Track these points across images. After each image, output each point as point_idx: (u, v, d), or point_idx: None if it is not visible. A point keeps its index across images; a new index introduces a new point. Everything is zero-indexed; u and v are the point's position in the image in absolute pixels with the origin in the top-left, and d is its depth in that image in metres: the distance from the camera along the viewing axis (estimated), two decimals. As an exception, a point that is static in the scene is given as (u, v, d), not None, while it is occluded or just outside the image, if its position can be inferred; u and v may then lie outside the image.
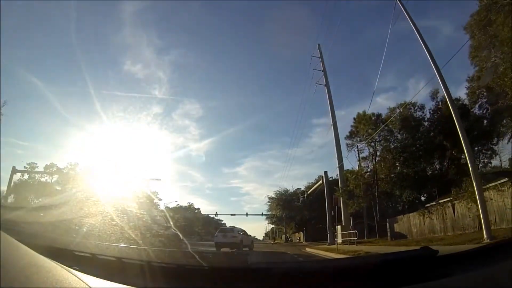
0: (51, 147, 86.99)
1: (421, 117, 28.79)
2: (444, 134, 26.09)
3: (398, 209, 35.57)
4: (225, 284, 1.27)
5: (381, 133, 28.06)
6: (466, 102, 26.42)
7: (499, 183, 14.18)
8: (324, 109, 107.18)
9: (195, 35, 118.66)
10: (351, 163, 31.30)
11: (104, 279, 1.29)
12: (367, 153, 31.53)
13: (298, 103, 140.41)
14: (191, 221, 69.75)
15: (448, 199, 19.03)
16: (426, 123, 28.99)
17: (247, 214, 69.57)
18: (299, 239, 57.01)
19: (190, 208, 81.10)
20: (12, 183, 48.12)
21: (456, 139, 24.59)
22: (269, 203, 56.41)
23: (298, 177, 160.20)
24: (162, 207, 52.82)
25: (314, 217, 48.97)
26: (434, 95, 27.96)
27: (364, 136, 29.52)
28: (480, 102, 24.65)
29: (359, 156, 31.85)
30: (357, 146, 31.65)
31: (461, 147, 25.42)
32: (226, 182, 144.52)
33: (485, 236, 9.62)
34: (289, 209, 51.69)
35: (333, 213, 25.89)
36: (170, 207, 61.69)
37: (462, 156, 27.64)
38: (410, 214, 21.33)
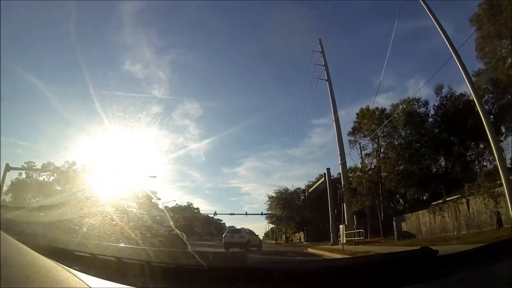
0: (51, 147, 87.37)
1: (425, 113, 28.13)
2: (450, 130, 25.57)
3: (398, 208, 35.23)
4: (225, 284, 1.28)
5: (385, 129, 27.39)
6: (472, 97, 26.22)
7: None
8: (323, 109, 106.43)
9: (195, 35, 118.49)
10: (353, 160, 30.53)
11: (104, 279, 1.31)
12: (370, 150, 30.88)
13: (298, 103, 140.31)
14: (190, 221, 69.81)
15: (457, 196, 18.25)
16: (431, 119, 28.28)
17: (246, 214, 69.73)
18: (300, 239, 56.90)
19: (189, 208, 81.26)
20: (10, 183, 48.43)
21: (462, 134, 24.29)
22: (269, 202, 55.94)
23: (298, 177, 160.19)
24: (160, 207, 52.92)
25: (315, 217, 48.83)
26: (438, 90, 27.31)
27: (368, 132, 28.90)
28: (486, 97, 23.97)
29: (361, 154, 31.32)
30: (360, 144, 31.06)
31: (467, 143, 25.23)
32: (226, 182, 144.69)
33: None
34: (290, 208, 51.40)
35: (336, 212, 25.30)
36: (169, 207, 61.88)
37: (468, 154, 27.34)
38: (419, 212, 20.43)
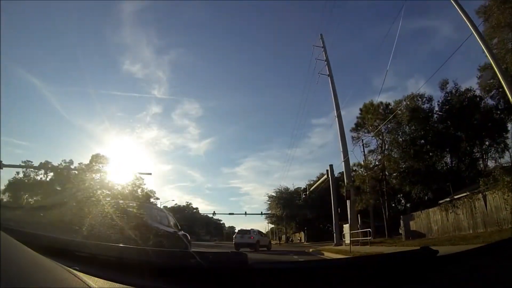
0: (50, 146, 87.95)
1: (429, 109, 27.82)
2: (457, 125, 25.13)
3: (399, 208, 34.91)
4: (225, 284, 1.29)
5: (389, 125, 27.01)
6: (478, 92, 25.43)
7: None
8: (323, 109, 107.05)
9: (195, 34, 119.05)
10: (356, 157, 29.92)
11: (104, 279, 1.32)
12: (374, 147, 30.46)
13: (298, 103, 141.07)
14: (189, 221, 70.03)
15: (466, 193, 17.60)
16: (435, 116, 27.94)
17: (245, 213, 69.85)
18: (300, 239, 56.89)
19: (188, 208, 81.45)
20: (8, 182, 48.67)
21: (468, 131, 23.78)
22: (268, 202, 55.84)
23: (298, 177, 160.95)
24: (159, 206, 53.06)
25: (316, 217, 48.73)
26: (443, 86, 26.99)
27: (372, 128, 28.41)
28: (493, 92, 23.70)
29: (364, 151, 30.93)
30: (362, 140, 30.64)
31: (475, 139, 24.74)
32: (226, 182, 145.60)
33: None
34: (290, 208, 51.24)
35: (339, 211, 24.88)
36: (168, 206, 62.09)
37: (474, 150, 26.99)
38: (430, 209, 19.60)
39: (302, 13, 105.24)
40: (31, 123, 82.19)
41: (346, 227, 22.60)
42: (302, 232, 55.73)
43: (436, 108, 27.92)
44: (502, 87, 22.57)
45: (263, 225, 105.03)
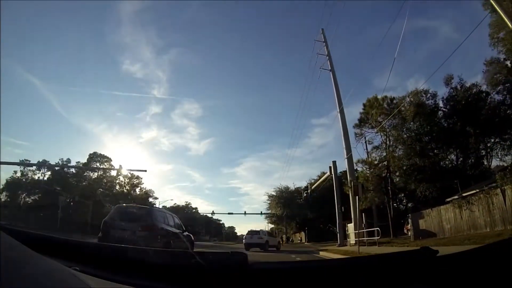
0: (49, 146, 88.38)
1: (434, 105, 27.46)
2: (464, 120, 24.59)
3: (400, 208, 34.60)
4: (225, 284, 1.30)
5: (394, 120, 26.59)
6: (484, 88, 25.18)
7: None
8: (323, 109, 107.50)
9: (195, 34, 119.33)
10: (360, 154, 29.44)
11: (104, 279, 1.35)
12: (378, 143, 30.06)
13: (298, 103, 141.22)
14: (189, 220, 70.18)
15: (474, 191, 17.03)
16: (440, 112, 27.61)
17: (245, 213, 69.78)
18: (301, 240, 56.80)
19: (187, 208, 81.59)
20: (5, 181, 48.91)
21: (477, 126, 23.22)
22: (268, 201, 55.61)
23: (297, 178, 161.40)
24: (157, 206, 53.28)
25: (317, 217, 48.56)
26: (448, 81, 26.61)
27: (376, 123, 27.88)
28: (500, 87, 23.44)
29: (367, 148, 30.53)
30: (365, 138, 30.25)
31: (483, 136, 24.30)
32: (225, 182, 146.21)
33: None
34: (290, 207, 51.11)
35: (343, 210, 24.52)
36: (167, 206, 62.25)
37: (480, 146, 26.60)
38: (441, 206, 18.75)
39: (302, 12, 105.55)
40: (30, 122, 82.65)
41: (350, 226, 22.10)
42: (302, 232, 55.54)
43: (441, 105, 27.66)
44: (510, 81, 22.34)
45: (262, 225, 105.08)
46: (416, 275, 1.28)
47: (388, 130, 28.22)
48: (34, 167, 50.08)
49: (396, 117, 25.78)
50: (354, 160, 26.43)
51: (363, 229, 18.27)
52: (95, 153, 53.25)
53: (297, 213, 51.52)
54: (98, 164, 51.67)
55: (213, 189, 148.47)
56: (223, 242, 69.14)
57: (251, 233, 25.56)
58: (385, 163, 27.95)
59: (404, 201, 37.05)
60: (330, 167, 27.84)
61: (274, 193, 53.87)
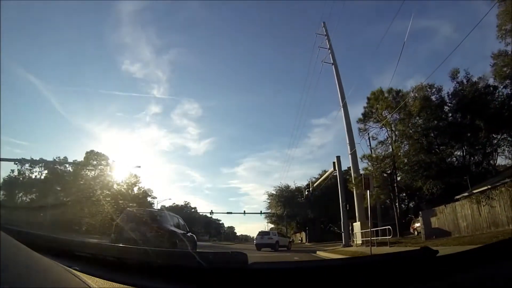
0: (49, 146, 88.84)
1: (440, 100, 26.75)
2: (474, 114, 23.71)
3: (401, 208, 34.12)
4: (225, 284, 1.33)
5: (400, 114, 25.94)
6: (491, 81, 24.42)
7: None
8: (323, 109, 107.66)
9: (194, 34, 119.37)
10: (363, 150, 28.74)
11: (104, 279, 1.37)
12: (383, 137, 29.27)
13: (298, 103, 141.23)
14: (188, 220, 70.18)
15: (484, 188, 16.37)
16: (447, 106, 26.80)
17: (244, 213, 68.96)
18: (301, 240, 56.58)
19: (186, 207, 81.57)
20: (2, 180, 49.11)
21: (487, 120, 22.57)
22: (268, 201, 55.10)
23: (297, 178, 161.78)
24: (155, 205, 53.25)
25: (318, 216, 48.30)
26: (454, 75, 25.97)
27: (382, 116, 27.01)
28: (506, 82, 22.87)
29: (370, 144, 30.01)
30: (368, 134, 29.39)
31: (491, 132, 23.71)
32: (225, 182, 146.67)
33: None
34: (291, 206, 50.68)
35: (347, 207, 24.03)
36: (166, 206, 62.27)
37: (487, 143, 25.86)
38: (457, 202, 17.68)
39: (302, 12, 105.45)
40: (29, 122, 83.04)
41: (356, 225, 21.42)
42: (303, 232, 55.21)
43: (447, 99, 26.94)
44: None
45: (262, 225, 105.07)
46: (416, 275, 1.29)
47: (394, 124, 27.42)
48: (28, 165, 50.19)
49: (401, 111, 25.17)
50: (358, 156, 25.98)
51: (370, 228, 17.21)
52: (92, 151, 53.31)
53: (298, 213, 51.04)
54: (95, 163, 51.69)
55: (213, 189, 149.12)
56: (222, 242, 69.09)
57: (262, 233, 26.52)
58: (391, 158, 27.04)
59: (406, 200, 36.72)
60: (333, 163, 27.32)
61: (274, 192, 53.53)
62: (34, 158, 49.33)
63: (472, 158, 26.63)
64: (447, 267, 1.29)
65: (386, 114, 26.22)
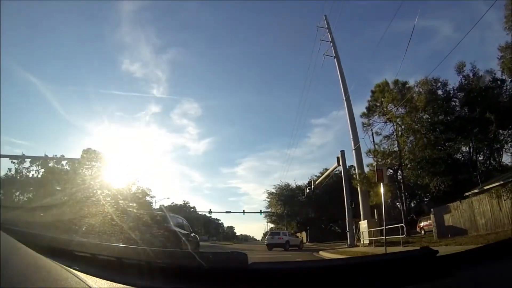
0: (48, 146, 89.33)
1: (446, 94, 26.03)
2: (484, 107, 22.78)
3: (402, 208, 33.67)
4: (225, 284, 1.34)
5: (406, 107, 25.01)
6: (498, 75, 23.78)
7: None
8: (323, 109, 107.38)
9: (194, 33, 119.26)
10: (367, 145, 27.84)
11: (104, 279, 1.39)
12: (388, 132, 27.46)
13: (297, 103, 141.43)
14: (187, 220, 70.03)
15: (497, 184, 15.55)
16: (453, 101, 25.98)
17: (244, 212, 68.49)
18: (302, 240, 55.95)
19: (185, 207, 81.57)
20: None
21: (497, 114, 22.07)
22: (268, 199, 54.46)
23: (297, 178, 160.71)
24: (154, 204, 53.17)
25: (319, 216, 47.89)
26: (460, 68, 25.30)
27: (387, 110, 25.98)
28: None
29: (373, 139, 29.22)
30: (372, 130, 28.80)
31: (500, 127, 23.13)
32: (225, 182, 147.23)
33: None
34: (291, 205, 50.09)
35: (353, 205, 23.49)
36: (165, 205, 62.23)
37: (495, 139, 25.56)
38: (474, 197, 16.64)
39: (302, 12, 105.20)
40: (29, 122, 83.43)
41: (362, 224, 20.65)
42: (304, 232, 54.74)
43: (452, 93, 26.12)
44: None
45: (262, 225, 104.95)
46: (416, 275, 1.31)
47: (400, 117, 25.99)
48: (27, 164, 50.37)
49: (407, 104, 24.30)
50: (363, 151, 25.14)
51: (381, 227, 15.96)
52: (89, 149, 53.22)
53: (298, 212, 50.23)
54: (92, 162, 51.59)
55: (213, 189, 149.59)
56: (222, 242, 69.07)
57: (273, 234, 28.12)
58: (398, 153, 26.61)
59: (407, 200, 36.29)
60: (337, 158, 26.39)
61: (274, 191, 52.70)
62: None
63: (478, 154, 26.09)
64: (447, 267, 1.30)
65: (392, 108, 25.27)
